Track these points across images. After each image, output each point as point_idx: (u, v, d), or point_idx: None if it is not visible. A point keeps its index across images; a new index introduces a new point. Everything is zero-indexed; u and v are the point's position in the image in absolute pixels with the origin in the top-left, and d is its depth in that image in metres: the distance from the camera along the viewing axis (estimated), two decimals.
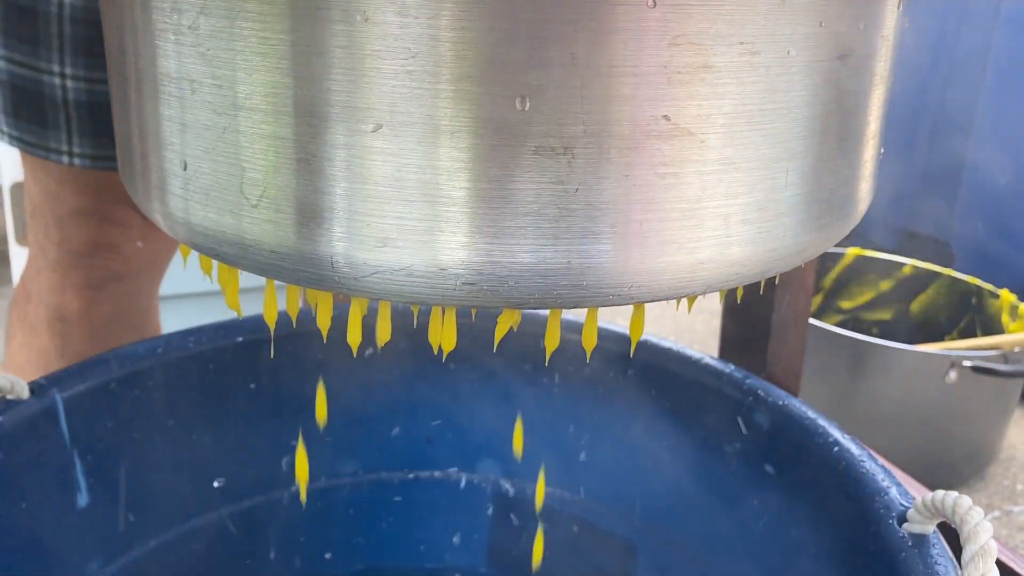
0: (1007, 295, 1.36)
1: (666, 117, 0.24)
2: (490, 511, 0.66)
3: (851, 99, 0.28)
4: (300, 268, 0.27)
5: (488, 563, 0.67)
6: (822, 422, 0.50)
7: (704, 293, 0.28)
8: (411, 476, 0.66)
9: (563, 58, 0.23)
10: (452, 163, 0.24)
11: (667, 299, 0.28)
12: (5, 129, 0.61)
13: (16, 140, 0.61)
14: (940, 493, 0.38)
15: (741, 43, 0.25)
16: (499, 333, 0.30)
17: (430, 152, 0.24)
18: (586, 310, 0.36)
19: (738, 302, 0.57)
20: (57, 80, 0.58)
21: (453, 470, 0.66)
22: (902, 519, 0.42)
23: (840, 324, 1.49)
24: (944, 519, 0.39)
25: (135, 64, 0.29)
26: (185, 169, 0.27)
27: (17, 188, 1.18)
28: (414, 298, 0.26)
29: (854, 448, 0.48)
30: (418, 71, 0.24)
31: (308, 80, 0.24)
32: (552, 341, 0.36)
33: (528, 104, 0.24)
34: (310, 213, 0.26)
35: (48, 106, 0.59)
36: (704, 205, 0.26)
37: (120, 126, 0.31)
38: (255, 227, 0.26)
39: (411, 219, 0.25)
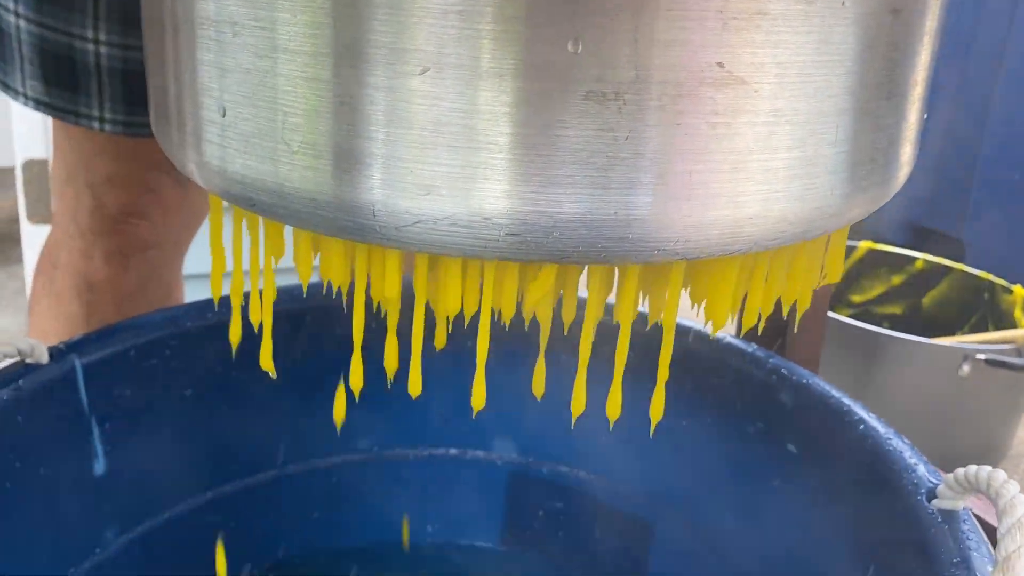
0: (1020, 290, 1.35)
1: (720, 64, 0.24)
2: (505, 489, 0.65)
3: (901, 56, 0.28)
4: (340, 216, 0.26)
5: (502, 541, 0.66)
6: (847, 401, 0.50)
7: (749, 251, 0.28)
8: (426, 453, 0.65)
9: None
10: (500, 108, 0.24)
11: (711, 256, 0.27)
12: (32, 95, 0.61)
13: (46, 106, 0.61)
14: (973, 468, 0.38)
15: None
16: (535, 294, 0.30)
17: (478, 96, 0.24)
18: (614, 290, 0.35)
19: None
20: (91, 46, 0.58)
21: (468, 448, 0.65)
22: (931, 496, 0.41)
23: (851, 318, 1.48)
24: (977, 494, 0.38)
25: (172, 8, 0.28)
26: (224, 115, 0.27)
27: (30, 166, 1.18)
28: (455, 249, 0.26)
29: (880, 427, 0.47)
30: (468, 11, 0.23)
31: (354, 21, 0.24)
32: (569, 313, 0.35)
33: (580, 47, 0.23)
34: (352, 159, 0.25)
35: (80, 72, 0.59)
36: (754, 158, 0.25)
37: (154, 75, 0.31)
38: (295, 174, 0.26)
39: (456, 166, 0.25)
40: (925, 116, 0.33)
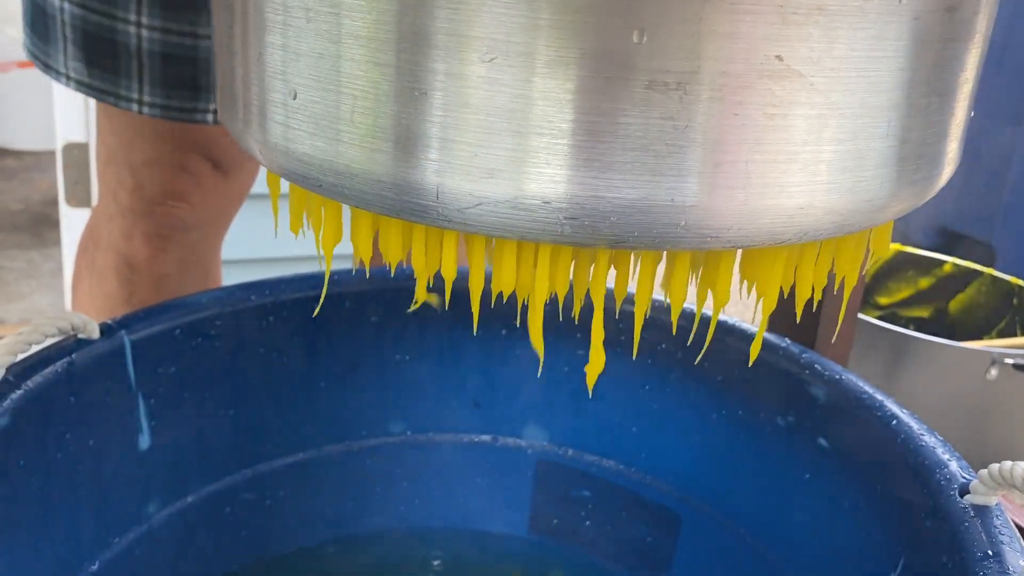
0: None
1: (779, 57, 0.25)
2: (535, 477, 0.66)
3: (953, 53, 0.28)
4: (404, 198, 0.27)
5: (530, 528, 0.67)
6: (879, 396, 0.50)
7: (797, 241, 0.28)
8: (458, 438, 0.66)
9: None
10: (564, 95, 0.25)
11: (763, 245, 0.28)
12: (75, 76, 0.62)
13: (87, 87, 0.62)
14: (1008, 464, 0.38)
15: None
16: (596, 280, 0.31)
17: (542, 83, 0.25)
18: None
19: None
20: (133, 29, 0.59)
21: (500, 435, 0.66)
22: (964, 491, 0.42)
23: (877, 320, 1.48)
24: (1010, 489, 0.39)
25: None
26: (295, 98, 0.28)
27: (70, 149, 1.20)
28: (515, 232, 0.27)
29: (913, 423, 0.48)
30: (536, 1, 0.24)
31: (425, 9, 0.25)
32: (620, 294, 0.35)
33: (644, 37, 0.24)
34: (418, 142, 0.26)
35: (122, 54, 0.60)
36: (808, 149, 0.26)
37: (222, 58, 0.32)
38: (362, 156, 0.27)
39: (519, 150, 0.25)
40: (971, 115, 0.33)
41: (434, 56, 0.25)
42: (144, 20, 0.59)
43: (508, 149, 0.26)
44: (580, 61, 0.24)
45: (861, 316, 1.18)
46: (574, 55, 0.24)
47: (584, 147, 0.25)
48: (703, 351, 0.58)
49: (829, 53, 0.25)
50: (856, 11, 0.25)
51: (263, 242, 1.25)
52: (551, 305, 0.64)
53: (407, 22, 0.25)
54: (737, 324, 0.58)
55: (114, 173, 0.67)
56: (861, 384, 0.51)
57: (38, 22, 0.64)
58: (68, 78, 0.64)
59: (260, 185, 0.68)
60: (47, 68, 0.65)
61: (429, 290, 0.62)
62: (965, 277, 1.46)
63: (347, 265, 0.75)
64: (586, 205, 0.26)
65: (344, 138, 0.27)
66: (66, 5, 0.62)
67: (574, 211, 0.26)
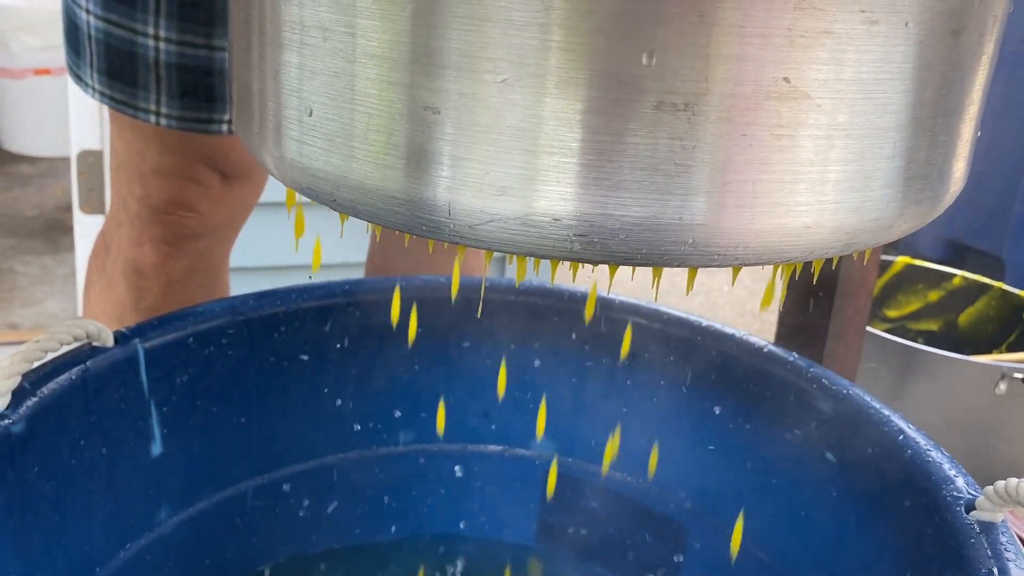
0: None
1: (786, 79, 0.25)
2: (543, 488, 0.67)
3: (959, 75, 0.29)
4: (417, 214, 0.28)
5: (537, 539, 0.67)
6: (886, 412, 0.51)
7: (805, 260, 0.29)
8: (467, 448, 0.67)
9: (692, 15, 0.24)
10: (574, 115, 0.25)
11: (770, 263, 0.28)
12: (99, 88, 0.64)
13: (107, 98, 0.63)
14: (1014, 480, 0.38)
15: (862, 11, 0.25)
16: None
17: (554, 104, 0.25)
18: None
19: (814, 283, 0.58)
20: (151, 42, 0.61)
21: (508, 445, 0.67)
22: (970, 507, 0.42)
23: (886, 333, 1.47)
24: (1016, 506, 0.39)
25: (260, 11, 0.30)
26: (311, 115, 0.28)
27: (85, 156, 1.21)
28: (525, 248, 0.27)
29: (920, 438, 0.48)
30: (549, 24, 0.25)
31: (441, 29, 0.25)
32: None
33: (654, 60, 0.24)
34: (432, 160, 0.27)
35: (140, 67, 0.61)
36: (815, 169, 0.26)
37: (239, 74, 0.32)
38: (376, 172, 0.28)
39: (530, 169, 0.26)
40: (978, 134, 0.34)
41: (447, 76, 0.26)
42: (161, 33, 0.61)
43: (519, 167, 0.26)
44: (590, 82, 0.25)
45: (869, 329, 1.18)
46: (584, 76, 0.25)
47: (594, 166, 0.26)
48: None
49: (836, 75, 0.26)
50: (863, 34, 0.26)
51: (274, 250, 1.26)
52: (559, 315, 0.65)
53: (420, 43, 0.26)
54: (746, 338, 0.59)
55: (124, 180, 0.69)
56: (868, 399, 0.52)
57: (71, 35, 0.66)
58: (94, 90, 0.65)
59: (270, 194, 0.68)
60: (78, 79, 0.66)
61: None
62: (975, 291, 1.46)
63: (358, 274, 0.76)
64: (595, 223, 0.26)
65: (358, 155, 0.28)
66: (92, 20, 0.63)
67: (583, 228, 0.26)
